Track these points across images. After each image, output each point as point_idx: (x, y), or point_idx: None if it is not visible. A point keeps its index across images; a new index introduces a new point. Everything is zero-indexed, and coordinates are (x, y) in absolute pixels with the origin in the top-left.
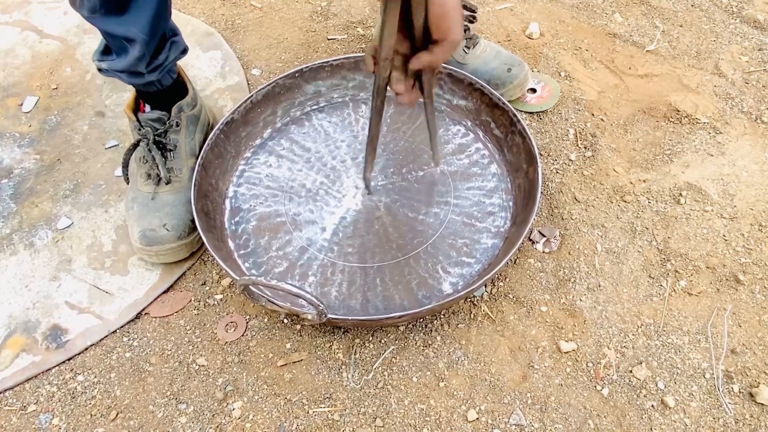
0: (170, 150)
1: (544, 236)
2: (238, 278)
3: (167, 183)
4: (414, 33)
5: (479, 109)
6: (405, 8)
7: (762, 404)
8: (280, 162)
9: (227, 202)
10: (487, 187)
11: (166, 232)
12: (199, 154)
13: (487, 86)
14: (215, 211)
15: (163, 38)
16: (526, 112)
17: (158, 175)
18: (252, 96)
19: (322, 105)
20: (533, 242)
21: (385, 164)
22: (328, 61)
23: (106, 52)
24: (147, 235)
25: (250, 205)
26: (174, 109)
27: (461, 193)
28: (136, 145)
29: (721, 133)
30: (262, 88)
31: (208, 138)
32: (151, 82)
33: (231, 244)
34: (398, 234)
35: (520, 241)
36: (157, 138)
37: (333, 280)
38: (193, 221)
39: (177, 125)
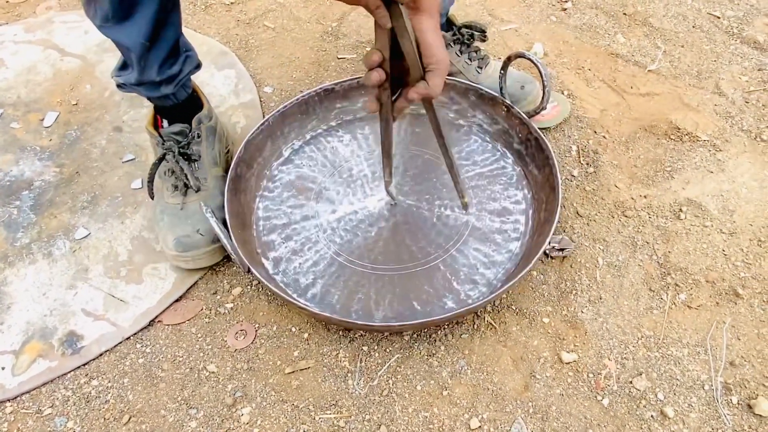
0: (195, 160)
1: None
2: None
3: (197, 191)
4: (403, 61)
5: (521, 153)
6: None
7: (760, 416)
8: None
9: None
10: (506, 210)
11: (200, 237)
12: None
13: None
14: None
15: (175, 50)
16: None
17: (186, 185)
18: (311, 92)
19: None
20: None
21: (403, 175)
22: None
23: (123, 67)
24: (182, 242)
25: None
26: (194, 122)
27: (479, 214)
28: (161, 160)
29: (721, 150)
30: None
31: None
32: (167, 95)
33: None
34: (413, 244)
35: (523, 272)
36: (181, 150)
37: (339, 282)
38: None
39: (198, 137)
